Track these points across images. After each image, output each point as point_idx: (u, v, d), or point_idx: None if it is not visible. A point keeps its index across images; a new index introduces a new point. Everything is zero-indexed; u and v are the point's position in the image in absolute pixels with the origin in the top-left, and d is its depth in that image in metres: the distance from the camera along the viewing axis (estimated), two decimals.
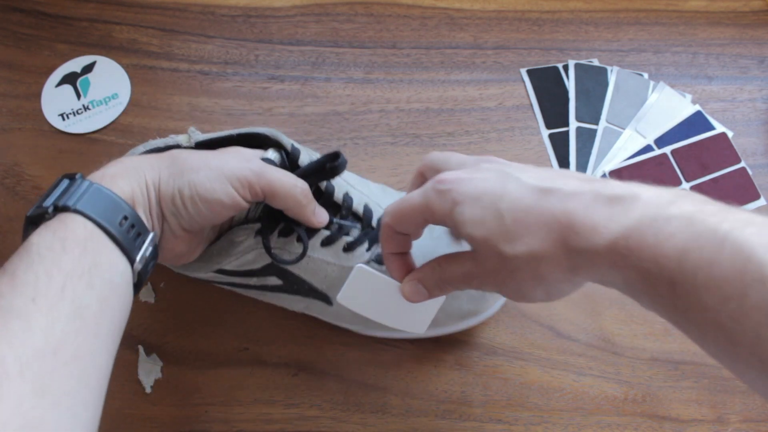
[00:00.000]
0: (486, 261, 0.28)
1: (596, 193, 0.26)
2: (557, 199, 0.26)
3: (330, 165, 0.35)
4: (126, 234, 0.29)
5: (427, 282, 0.32)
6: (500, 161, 0.32)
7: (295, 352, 0.43)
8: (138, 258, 0.30)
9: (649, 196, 0.25)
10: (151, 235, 0.31)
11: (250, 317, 0.44)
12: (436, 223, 0.31)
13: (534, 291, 0.28)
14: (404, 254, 0.34)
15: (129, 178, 0.31)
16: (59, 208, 0.28)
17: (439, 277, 0.31)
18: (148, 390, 0.42)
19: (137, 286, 0.31)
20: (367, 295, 0.36)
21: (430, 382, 0.43)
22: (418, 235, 0.34)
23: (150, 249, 0.30)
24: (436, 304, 0.37)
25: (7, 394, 0.22)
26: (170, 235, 0.33)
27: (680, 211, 0.23)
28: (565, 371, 0.43)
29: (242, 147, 0.37)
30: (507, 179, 0.28)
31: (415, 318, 0.37)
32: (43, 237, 0.27)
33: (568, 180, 0.27)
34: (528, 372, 0.43)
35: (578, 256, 0.25)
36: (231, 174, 0.32)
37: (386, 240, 0.33)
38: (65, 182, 0.30)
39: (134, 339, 0.43)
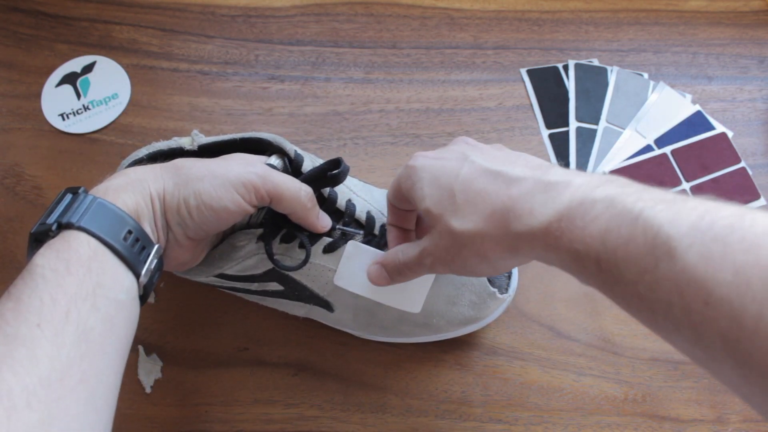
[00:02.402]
0: (439, 237, 0.31)
1: (536, 180, 0.28)
2: (503, 183, 0.29)
3: (330, 174, 0.35)
4: (131, 249, 0.29)
5: (388, 266, 0.35)
6: (467, 142, 0.35)
7: (295, 352, 0.43)
8: (143, 272, 0.30)
9: (579, 182, 0.27)
10: (155, 248, 0.31)
11: (251, 317, 0.44)
12: (404, 196, 0.34)
13: (479, 266, 0.31)
14: (406, 230, 0.38)
15: (133, 190, 0.31)
16: (63, 225, 0.28)
17: (399, 261, 0.34)
18: (148, 390, 0.42)
19: (143, 298, 0.31)
20: (361, 273, 0.37)
21: (430, 382, 0.43)
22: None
23: (155, 261, 0.30)
24: (426, 282, 0.38)
25: (15, 427, 0.22)
26: (175, 245, 0.33)
27: (604, 194, 0.25)
28: (565, 371, 0.43)
29: (245, 153, 0.37)
30: (463, 162, 0.31)
31: (408, 296, 0.38)
32: (47, 258, 0.27)
33: (515, 166, 0.30)
34: (528, 372, 0.43)
35: (518, 238, 0.28)
36: (236, 180, 0.32)
37: (389, 212, 0.37)
38: (68, 197, 0.30)
39: (134, 339, 0.43)
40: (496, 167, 0.30)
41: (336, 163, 0.35)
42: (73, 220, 0.28)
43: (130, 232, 0.29)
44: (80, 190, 0.30)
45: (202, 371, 0.43)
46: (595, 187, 0.26)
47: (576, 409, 0.42)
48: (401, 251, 0.35)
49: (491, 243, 0.29)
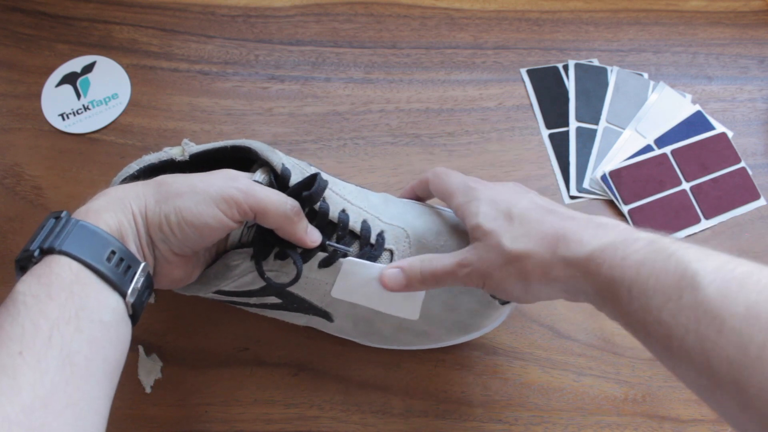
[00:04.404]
0: (485, 250, 0.33)
1: (588, 219, 0.32)
2: (558, 218, 0.32)
3: (306, 194, 0.34)
4: (115, 269, 0.29)
5: (410, 271, 0.36)
6: (522, 187, 0.37)
7: (295, 352, 0.43)
8: (129, 291, 0.29)
9: (626, 226, 0.31)
10: (141, 266, 0.30)
11: (250, 317, 0.44)
12: (450, 205, 0.37)
13: (514, 286, 0.33)
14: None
15: (115, 210, 0.30)
16: (45, 251, 0.28)
17: (428, 268, 0.35)
18: (148, 390, 0.42)
19: (134, 317, 0.30)
20: (358, 285, 0.37)
21: (430, 382, 0.43)
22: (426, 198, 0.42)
23: (141, 280, 0.30)
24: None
25: None
26: (164, 262, 0.33)
27: (645, 235, 0.29)
28: (565, 371, 0.43)
29: (238, 159, 0.37)
30: (523, 196, 0.35)
31: (405, 303, 0.38)
32: (28, 285, 0.26)
33: (569, 210, 0.34)
34: (528, 372, 0.43)
35: (561, 263, 0.30)
36: (216, 195, 0.32)
37: (417, 183, 0.41)
38: (51, 221, 0.29)
39: (134, 339, 0.42)
40: (552, 206, 0.34)
41: (310, 182, 0.34)
42: (55, 245, 0.28)
43: (113, 252, 0.29)
44: (63, 214, 0.30)
45: (202, 371, 0.43)
46: (639, 231, 0.30)
47: (576, 409, 0.42)
48: (426, 259, 0.35)
49: (535, 265, 0.31)
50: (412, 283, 0.35)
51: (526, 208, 0.33)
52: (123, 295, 0.29)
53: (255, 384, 0.43)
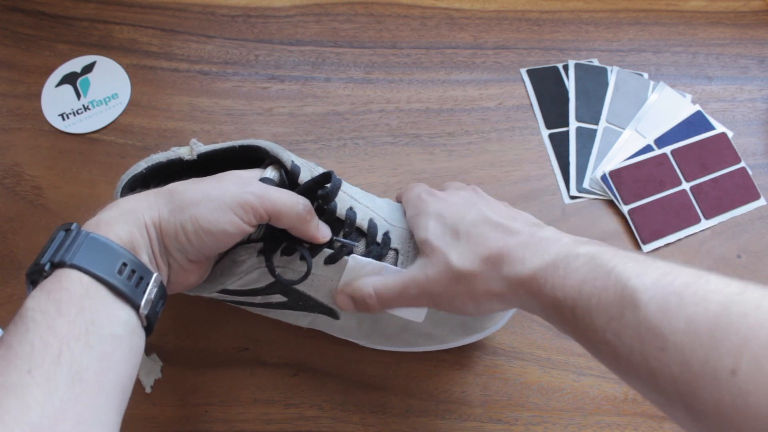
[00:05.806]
0: (434, 268, 0.33)
1: (531, 234, 0.32)
2: (502, 233, 0.32)
3: (321, 192, 0.34)
4: (127, 281, 0.28)
5: (355, 293, 0.36)
6: (477, 191, 0.38)
7: (295, 352, 0.43)
8: (143, 303, 0.29)
9: (567, 240, 0.30)
10: (154, 277, 0.30)
11: (251, 317, 0.44)
12: (407, 217, 0.38)
13: (465, 304, 0.33)
14: None
15: (126, 221, 0.30)
16: (55, 264, 0.28)
17: (376, 292, 0.35)
18: (148, 390, 0.42)
19: (149, 329, 0.30)
20: None
21: (430, 382, 0.43)
22: None
23: (155, 291, 0.30)
24: None
25: None
26: (179, 270, 0.33)
27: (586, 251, 0.29)
28: (565, 371, 0.43)
29: (245, 159, 0.37)
30: (471, 208, 0.35)
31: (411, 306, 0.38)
32: (38, 300, 0.26)
33: (515, 221, 0.33)
34: (528, 372, 0.43)
35: (506, 282, 0.31)
36: (232, 201, 0.31)
37: (398, 197, 0.41)
38: (61, 234, 0.29)
39: None
40: (499, 219, 0.33)
41: (326, 179, 0.34)
42: (65, 258, 0.27)
43: (125, 264, 0.29)
44: (72, 227, 0.29)
45: (202, 371, 0.43)
46: (580, 245, 0.29)
47: (576, 409, 0.42)
48: (373, 283, 0.36)
49: (482, 283, 0.31)
50: (359, 307, 0.37)
51: (473, 223, 0.33)
52: (136, 307, 0.29)
53: (255, 384, 0.43)
